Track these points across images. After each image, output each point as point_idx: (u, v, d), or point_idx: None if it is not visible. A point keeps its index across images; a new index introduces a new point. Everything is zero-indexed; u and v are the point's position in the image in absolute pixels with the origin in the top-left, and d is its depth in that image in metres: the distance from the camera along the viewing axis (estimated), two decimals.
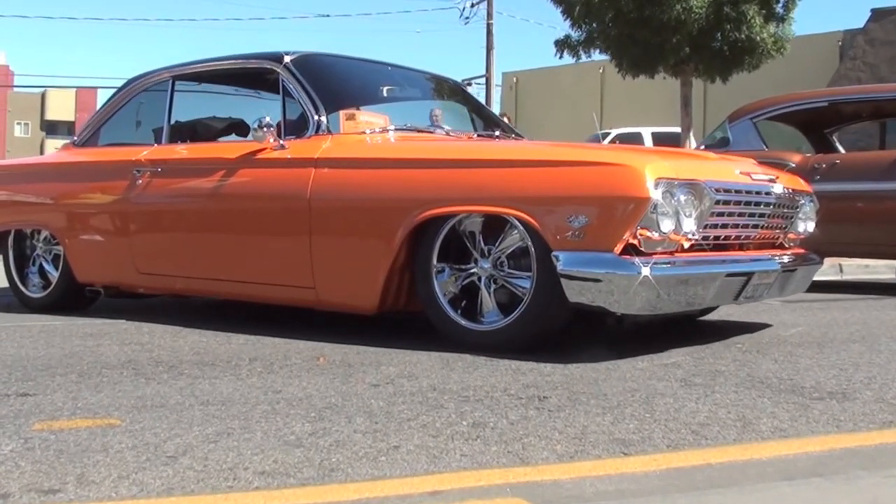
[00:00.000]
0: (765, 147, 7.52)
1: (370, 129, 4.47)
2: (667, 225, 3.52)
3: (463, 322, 3.88)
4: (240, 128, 5.45)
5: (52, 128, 72.45)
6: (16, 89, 67.03)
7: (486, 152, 4.07)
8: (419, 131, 4.72)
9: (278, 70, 4.61)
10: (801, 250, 4.59)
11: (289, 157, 4.38)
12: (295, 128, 4.51)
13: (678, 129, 16.62)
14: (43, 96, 70.59)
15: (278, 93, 4.63)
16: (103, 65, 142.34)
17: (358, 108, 4.73)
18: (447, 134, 4.72)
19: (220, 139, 5.62)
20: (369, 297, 4.07)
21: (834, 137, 8.42)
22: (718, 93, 18.30)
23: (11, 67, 68.41)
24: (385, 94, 5.17)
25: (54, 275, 5.42)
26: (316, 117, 4.41)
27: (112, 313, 5.13)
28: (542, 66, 27.78)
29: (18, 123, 71.84)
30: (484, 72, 29.25)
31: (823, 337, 4.35)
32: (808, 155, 7.53)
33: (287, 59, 4.63)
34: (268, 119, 4.38)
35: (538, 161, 3.79)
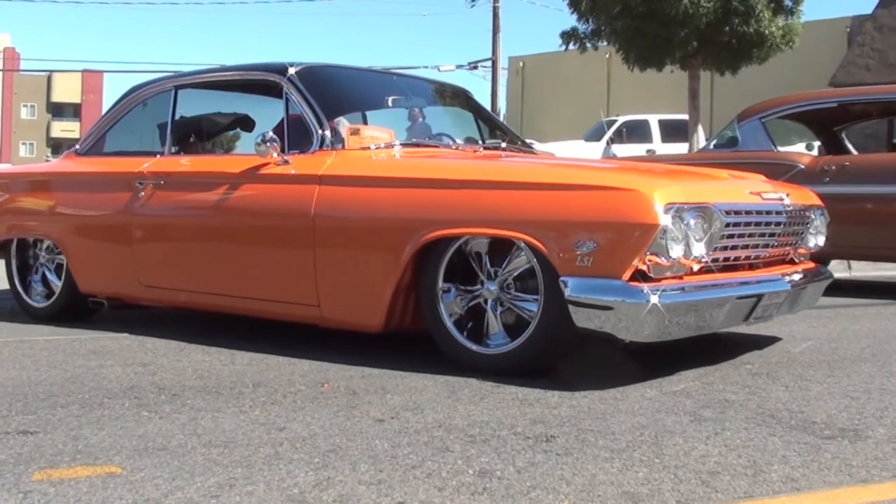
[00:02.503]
0: (773, 147, 7.44)
1: (375, 145, 4.41)
2: (676, 250, 3.46)
3: (469, 345, 3.82)
4: (245, 123, 5.41)
5: (58, 110, 72.58)
6: (22, 72, 66.94)
7: (494, 173, 3.99)
8: (423, 146, 4.64)
9: (282, 82, 4.55)
10: (812, 265, 4.53)
11: (293, 172, 4.32)
12: (299, 141, 4.44)
13: (685, 117, 16.51)
14: (49, 79, 70.61)
15: (282, 103, 4.58)
16: (109, 48, 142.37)
17: (364, 122, 4.67)
18: (456, 148, 4.65)
19: (225, 133, 5.60)
20: (375, 315, 4.03)
21: (844, 136, 8.33)
22: (726, 82, 18.16)
23: (17, 50, 68.39)
24: (390, 104, 5.10)
25: (57, 284, 5.38)
26: (320, 132, 4.36)
27: (115, 325, 5.10)
28: (549, 51, 27.58)
29: (24, 106, 71.96)
30: (490, 55, 29.14)
31: (833, 354, 4.30)
32: (818, 156, 7.45)
33: (291, 70, 4.56)
34: (271, 134, 4.32)
35: (547, 184, 3.72)
